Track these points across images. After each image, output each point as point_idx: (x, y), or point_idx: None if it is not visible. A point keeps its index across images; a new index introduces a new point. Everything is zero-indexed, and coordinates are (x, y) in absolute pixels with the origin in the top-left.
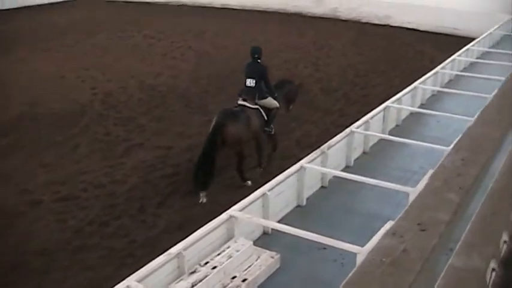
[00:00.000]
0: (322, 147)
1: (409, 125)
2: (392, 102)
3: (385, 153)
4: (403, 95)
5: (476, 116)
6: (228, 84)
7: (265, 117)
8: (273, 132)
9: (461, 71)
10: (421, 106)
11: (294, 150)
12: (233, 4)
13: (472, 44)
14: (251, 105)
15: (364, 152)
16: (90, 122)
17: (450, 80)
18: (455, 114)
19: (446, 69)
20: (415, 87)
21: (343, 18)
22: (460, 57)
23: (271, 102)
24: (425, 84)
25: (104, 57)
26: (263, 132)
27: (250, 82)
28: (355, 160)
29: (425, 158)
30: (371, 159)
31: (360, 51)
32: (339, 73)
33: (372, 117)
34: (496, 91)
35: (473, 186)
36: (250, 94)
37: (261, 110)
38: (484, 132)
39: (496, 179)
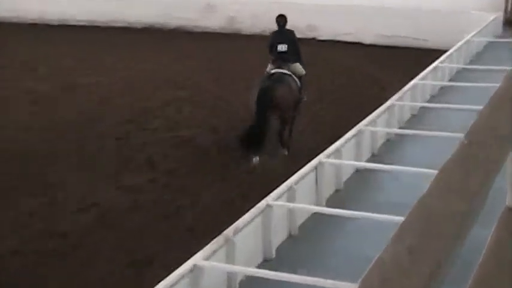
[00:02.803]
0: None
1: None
2: (327, 157)
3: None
4: (343, 144)
5: (431, 183)
6: (88, 137)
7: (299, 84)
8: (305, 99)
9: (428, 102)
10: (371, 159)
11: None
12: (80, 19)
13: (441, 59)
14: (287, 72)
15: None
16: None
17: (412, 116)
18: (418, 168)
19: (404, 100)
20: (359, 131)
21: (247, 33)
22: (424, 80)
23: (300, 68)
24: (375, 125)
25: None
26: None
27: (282, 47)
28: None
29: None
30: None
31: None
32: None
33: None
34: (462, 137)
35: None
36: (285, 59)
37: (294, 77)
38: (440, 205)
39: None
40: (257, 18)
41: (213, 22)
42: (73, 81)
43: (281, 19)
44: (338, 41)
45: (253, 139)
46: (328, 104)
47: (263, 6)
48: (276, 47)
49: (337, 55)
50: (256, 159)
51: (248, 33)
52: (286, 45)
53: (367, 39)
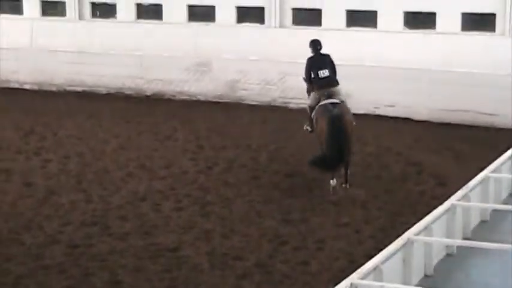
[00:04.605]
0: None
1: None
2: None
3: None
4: (383, 262)
5: None
6: (26, 247)
7: None
8: (355, 123)
9: (504, 203)
10: (423, 281)
11: None
12: (24, 81)
13: None
14: (342, 100)
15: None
16: None
17: (482, 222)
18: None
19: (471, 200)
20: (409, 241)
21: (253, 102)
22: (498, 173)
23: (343, 92)
24: (430, 234)
25: None
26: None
27: (323, 73)
28: None
29: None
30: None
31: (286, 174)
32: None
33: None
34: None
35: None
36: (331, 84)
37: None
38: None
39: None
40: (268, 83)
41: (206, 87)
42: (8, 164)
43: (317, 43)
44: (378, 116)
45: (329, 166)
46: (365, 204)
47: (277, 67)
48: (317, 73)
49: (377, 134)
50: (334, 181)
51: (255, 102)
52: (327, 70)
53: (419, 114)
